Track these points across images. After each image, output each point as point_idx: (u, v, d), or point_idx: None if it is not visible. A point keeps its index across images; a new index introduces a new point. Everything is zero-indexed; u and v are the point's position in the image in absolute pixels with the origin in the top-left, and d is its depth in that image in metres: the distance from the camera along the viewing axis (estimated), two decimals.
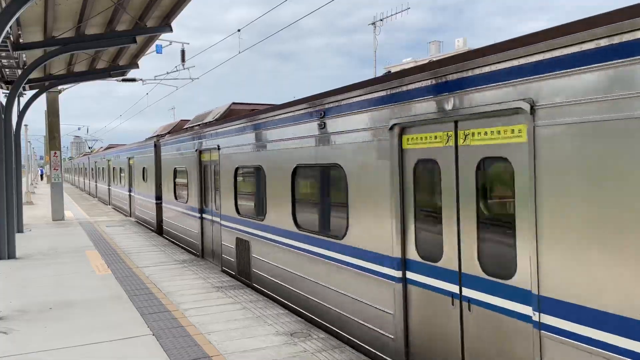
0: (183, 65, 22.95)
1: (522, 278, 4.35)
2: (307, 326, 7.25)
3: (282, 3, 13.95)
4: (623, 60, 3.45)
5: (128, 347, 6.46)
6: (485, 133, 4.64)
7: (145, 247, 14.56)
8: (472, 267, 4.88)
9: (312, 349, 6.36)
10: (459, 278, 5.04)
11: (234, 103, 12.89)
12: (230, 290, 9.35)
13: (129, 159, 23.29)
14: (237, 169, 10.64)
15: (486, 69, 4.49)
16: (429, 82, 5.18)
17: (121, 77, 21.44)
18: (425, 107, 5.25)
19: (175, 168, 15.20)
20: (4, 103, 13.93)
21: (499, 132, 4.51)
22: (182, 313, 7.91)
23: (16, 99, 15.43)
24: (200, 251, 13.35)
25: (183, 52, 22.02)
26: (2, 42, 12.30)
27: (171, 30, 13.78)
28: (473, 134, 4.78)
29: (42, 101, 24.02)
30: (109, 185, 30.95)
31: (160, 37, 16.23)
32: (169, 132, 17.59)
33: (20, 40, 14.01)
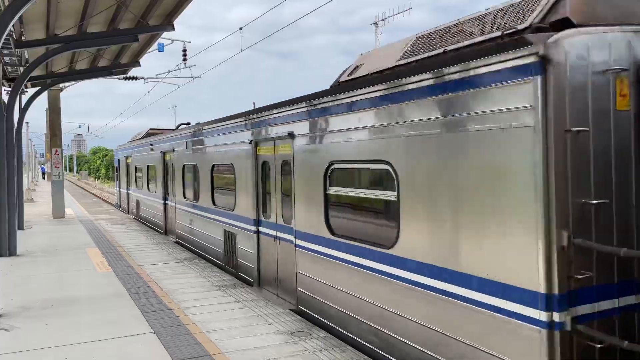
0: (185, 63, 22.98)
1: None
2: (308, 325, 7.26)
3: (283, 1, 13.94)
4: None
5: (129, 345, 6.47)
6: None
7: (146, 245, 14.58)
8: None
9: (312, 348, 6.37)
10: None
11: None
12: (231, 289, 9.36)
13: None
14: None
15: None
16: None
17: (123, 75, 21.50)
18: None
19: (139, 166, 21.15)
20: (5, 101, 13.94)
21: None
22: (183, 311, 7.92)
23: (18, 96, 15.43)
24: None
25: (185, 50, 22.04)
26: (5, 39, 12.31)
27: (173, 28, 13.80)
28: None
29: (43, 99, 23.96)
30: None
31: (162, 36, 16.26)
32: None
33: (23, 38, 14.03)
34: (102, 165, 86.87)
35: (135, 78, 24.21)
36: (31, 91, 21.63)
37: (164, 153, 16.60)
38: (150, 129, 22.20)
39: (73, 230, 17.75)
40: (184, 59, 22.52)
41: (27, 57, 16.97)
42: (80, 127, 77.17)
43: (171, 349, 6.29)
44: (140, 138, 21.88)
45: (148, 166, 19.03)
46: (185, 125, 16.37)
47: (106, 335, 6.82)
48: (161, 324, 7.30)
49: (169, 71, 25.74)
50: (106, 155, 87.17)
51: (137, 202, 22.00)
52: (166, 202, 16.86)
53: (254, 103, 14.81)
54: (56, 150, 21.93)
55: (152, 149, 18.13)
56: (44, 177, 73.30)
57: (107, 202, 40.04)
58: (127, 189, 24.40)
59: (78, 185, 70.67)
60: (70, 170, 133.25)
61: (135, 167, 21.85)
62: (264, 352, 6.23)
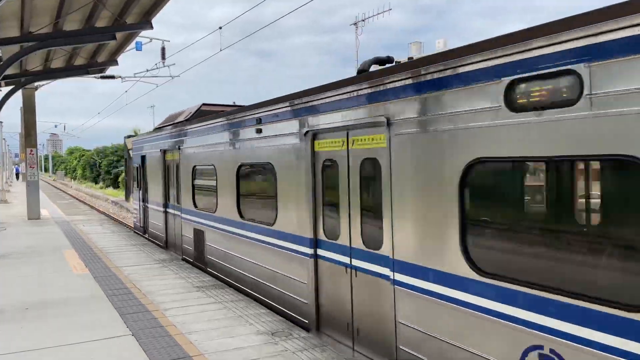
0: (163, 62, 22.74)
1: None
2: (289, 325, 7.26)
3: (263, 0, 13.91)
4: None
5: (107, 348, 6.38)
6: None
7: (124, 246, 14.39)
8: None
9: (293, 348, 6.37)
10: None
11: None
12: (211, 290, 9.30)
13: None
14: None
15: None
16: None
17: (100, 74, 21.17)
18: None
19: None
20: None
21: None
22: (162, 313, 7.84)
23: None
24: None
25: (163, 49, 21.82)
26: None
27: (151, 27, 13.65)
28: None
29: (17, 97, 23.45)
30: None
31: (141, 34, 16.07)
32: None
33: None
34: (78, 165, 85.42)
35: (112, 77, 23.85)
36: (5, 90, 21.16)
37: (314, 135, 7.30)
38: (204, 103, 13.28)
39: (49, 231, 17.42)
40: (163, 57, 22.28)
41: (0, 55, 16.61)
42: (56, 126, 75.87)
43: (150, 351, 6.22)
44: (190, 118, 12.77)
45: (240, 167, 9.58)
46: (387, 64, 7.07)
47: (83, 338, 6.71)
48: (139, 325, 7.21)
49: (148, 70, 25.44)
50: (83, 155, 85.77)
51: (199, 235, 11.79)
52: (319, 252, 7.32)
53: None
54: (31, 150, 21.50)
55: (260, 130, 8.76)
56: (17, 178, 71.79)
57: (84, 203, 39.45)
58: (167, 206, 14.48)
59: (54, 186, 69.45)
60: (46, 170, 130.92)
61: (194, 170, 12.03)
62: (245, 352, 6.21)
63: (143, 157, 17.10)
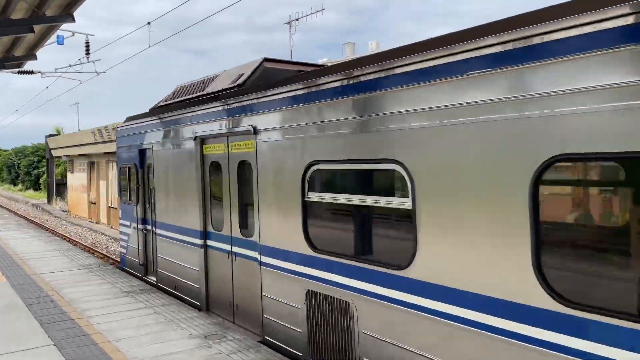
0: (87, 57, 21.66)
1: None
2: (222, 328, 7.13)
3: None
4: None
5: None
6: None
7: (46, 252, 13.59)
8: None
9: (227, 350, 6.26)
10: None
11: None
12: (141, 295, 8.96)
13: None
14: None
15: None
16: None
17: (17, 69, 19.89)
18: None
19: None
20: None
21: None
22: (87, 320, 7.47)
23: None
24: None
25: (87, 44, 20.79)
26: None
27: (73, 20, 12.98)
28: None
29: None
30: None
31: (62, 27, 15.26)
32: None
33: None
34: None
35: (31, 72, 22.47)
36: None
37: None
38: (266, 58, 8.28)
39: None
40: (87, 52, 21.21)
41: None
42: None
43: None
44: (247, 82, 7.82)
45: (548, 166, 3.62)
46: None
47: None
48: (62, 335, 6.82)
49: (70, 65, 24.13)
50: None
51: (330, 308, 5.66)
52: None
53: None
54: None
55: None
56: None
57: (0, 207, 36.97)
58: (208, 237, 8.40)
59: None
60: None
61: (309, 174, 6.00)
62: (176, 357, 6.03)
63: (143, 152, 10.65)
